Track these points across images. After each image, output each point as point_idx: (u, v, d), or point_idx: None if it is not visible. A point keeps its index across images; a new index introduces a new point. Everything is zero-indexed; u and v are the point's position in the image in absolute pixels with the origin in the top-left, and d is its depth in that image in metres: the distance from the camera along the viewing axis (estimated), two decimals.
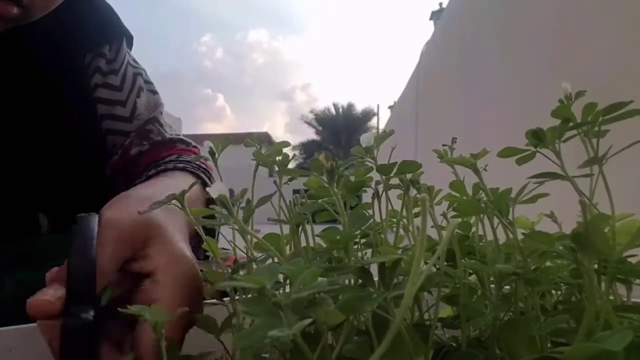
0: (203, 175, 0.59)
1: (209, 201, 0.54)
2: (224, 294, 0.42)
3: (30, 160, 0.62)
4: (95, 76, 0.65)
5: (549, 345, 0.28)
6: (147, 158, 0.66)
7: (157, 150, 0.67)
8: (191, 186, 0.40)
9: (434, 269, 0.29)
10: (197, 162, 0.62)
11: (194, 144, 0.71)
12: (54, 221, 0.64)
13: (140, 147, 0.67)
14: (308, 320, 0.16)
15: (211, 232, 0.57)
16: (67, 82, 0.63)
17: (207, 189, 0.32)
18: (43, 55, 0.61)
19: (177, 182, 0.54)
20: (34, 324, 0.38)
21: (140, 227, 0.38)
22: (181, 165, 0.60)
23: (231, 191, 0.34)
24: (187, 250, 0.39)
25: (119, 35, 0.68)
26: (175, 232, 0.40)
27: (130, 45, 0.72)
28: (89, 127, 0.66)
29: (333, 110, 30.80)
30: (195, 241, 0.47)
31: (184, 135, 0.72)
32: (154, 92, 0.72)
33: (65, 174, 0.63)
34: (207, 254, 0.58)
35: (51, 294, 0.33)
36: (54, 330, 0.33)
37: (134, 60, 0.72)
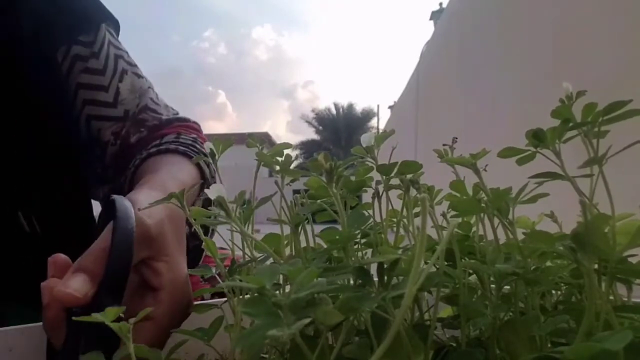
0: (202, 164, 0.61)
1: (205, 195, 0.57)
2: (218, 294, 0.42)
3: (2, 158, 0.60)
4: (76, 65, 0.64)
5: (549, 345, 0.28)
6: (147, 141, 0.67)
7: (155, 134, 0.69)
8: (190, 188, 0.41)
9: (434, 269, 0.29)
10: (197, 146, 0.64)
11: (192, 120, 0.73)
12: (34, 219, 0.62)
13: (139, 134, 0.68)
14: (307, 320, 0.16)
15: (206, 229, 0.58)
16: (37, 77, 0.61)
17: (206, 190, 0.32)
18: (10, 51, 0.59)
19: (181, 174, 0.56)
20: (35, 324, 0.38)
21: (159, 235, 0.39)
22: (182, 148, 0.61)
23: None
24: (186, 272, 0.41)
25: (96, 22, 0.66)
26: (179, 247, 0.42)
27: (116, 29, 0.71)
28: (64, 121, 0.65)
29: (334, 110, 30.79)
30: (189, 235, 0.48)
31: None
32: (139, 76, 0.71)
33: (42, 168, 0.62)
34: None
35: (77, 288, 0.32)
36: (62, 325, 0.33)
37: (117, 40, 0.71)
